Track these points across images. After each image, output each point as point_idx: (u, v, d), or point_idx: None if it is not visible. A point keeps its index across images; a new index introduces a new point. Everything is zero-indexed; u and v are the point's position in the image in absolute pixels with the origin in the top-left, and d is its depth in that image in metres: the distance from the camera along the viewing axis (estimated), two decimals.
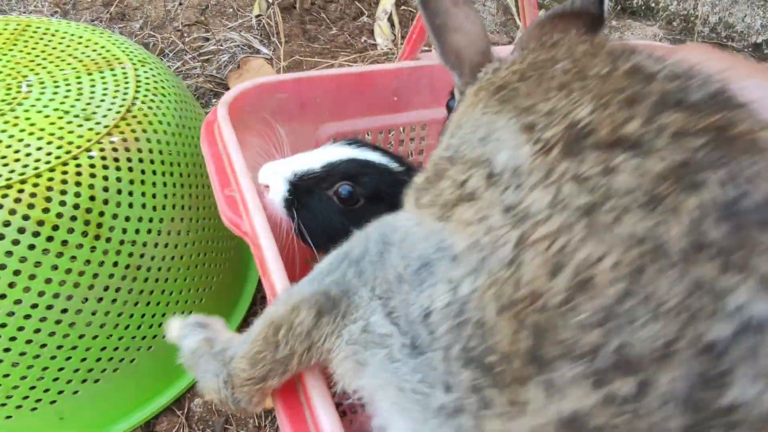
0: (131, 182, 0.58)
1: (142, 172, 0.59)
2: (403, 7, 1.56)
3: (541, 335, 0.18)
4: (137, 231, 0.58)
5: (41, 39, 0.73)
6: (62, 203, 0.52)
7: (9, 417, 0.55)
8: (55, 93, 0.63)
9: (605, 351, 0.17)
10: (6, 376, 0.52)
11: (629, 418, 0.17)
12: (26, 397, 0.55)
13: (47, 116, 0.59)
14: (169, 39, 1.34)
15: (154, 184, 0.60)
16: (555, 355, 0.18)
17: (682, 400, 0.17)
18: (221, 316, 0.74)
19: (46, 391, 0.55)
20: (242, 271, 0.81)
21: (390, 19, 1.47)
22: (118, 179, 0.57)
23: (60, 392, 0.56)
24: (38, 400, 0.55)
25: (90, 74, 0.67)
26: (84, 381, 0.57)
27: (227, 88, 1.23)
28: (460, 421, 0.21)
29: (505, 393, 0.19)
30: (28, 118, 0.58)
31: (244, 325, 0.77)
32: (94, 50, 0.72)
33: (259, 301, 0.81)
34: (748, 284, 0.17)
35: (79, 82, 0.65)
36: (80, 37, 0.74)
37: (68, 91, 0.64)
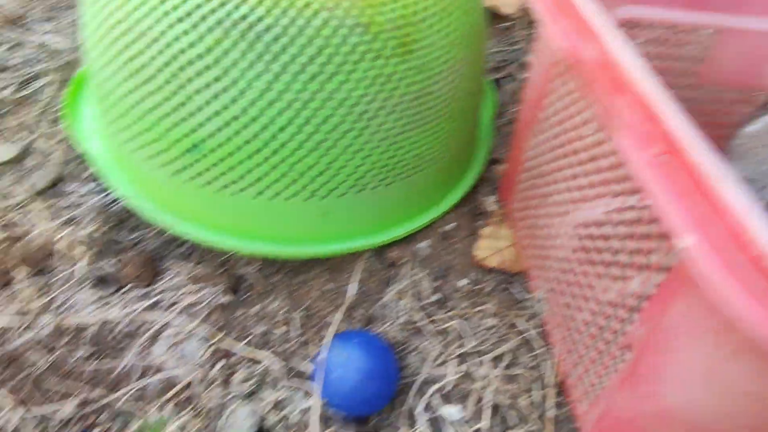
0: (434, 12, 0.59)
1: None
2: None
3: None
4: (436, 58, 0.59)
5: None
6: (393, 10, 0.54)
7: (288, 199, 0.60)
8: None
9: None
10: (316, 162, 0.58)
11: None
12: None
13: None
14: None
15: (449, 21, 0.60)
16: None
17: None
18: (458, 172, 0.76)
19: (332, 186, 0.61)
20: (477, 133, 0.81)
21: None
22: (425, 8, 0.58)
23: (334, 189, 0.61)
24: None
25: None
26: (357, 188, 0.62)
27: None
28: None
29: None
30: None
31: (471, 192, 0.76)
32: None
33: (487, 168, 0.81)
34: None
35: None
36: None
37: None
